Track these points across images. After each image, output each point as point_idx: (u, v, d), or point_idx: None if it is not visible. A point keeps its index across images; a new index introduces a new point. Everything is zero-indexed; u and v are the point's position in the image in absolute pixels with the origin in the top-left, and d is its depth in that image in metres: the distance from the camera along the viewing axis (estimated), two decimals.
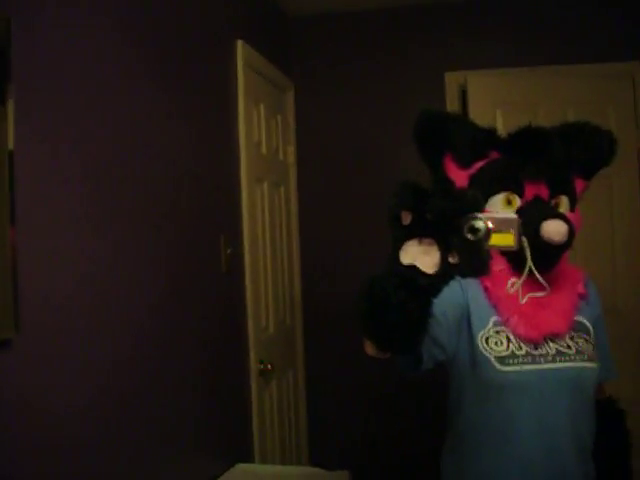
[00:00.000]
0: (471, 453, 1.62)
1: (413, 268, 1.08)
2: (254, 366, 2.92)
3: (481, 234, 1.09)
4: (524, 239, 1.41)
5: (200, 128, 2.55)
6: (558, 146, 1.58)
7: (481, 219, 1.09)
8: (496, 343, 1.55)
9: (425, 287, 1.08)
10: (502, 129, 1.68)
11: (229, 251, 2.75)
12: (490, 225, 1.11)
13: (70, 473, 1.66)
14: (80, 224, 1.78)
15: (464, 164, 1.63)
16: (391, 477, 3.67)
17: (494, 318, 1.57)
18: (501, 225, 1.15)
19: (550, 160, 1.56)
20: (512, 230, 1.17)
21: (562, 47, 3.52)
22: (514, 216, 1.20)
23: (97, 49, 1.87)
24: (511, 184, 1.57)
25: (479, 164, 1.63)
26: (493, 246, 1.14)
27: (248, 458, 2.85)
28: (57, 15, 1.70)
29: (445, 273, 1.08)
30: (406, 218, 1.08)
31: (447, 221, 1.05)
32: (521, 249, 1.38)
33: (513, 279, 1.55)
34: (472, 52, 3.59)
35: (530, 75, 3.50)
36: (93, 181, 1.85)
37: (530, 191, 1.56)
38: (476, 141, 1.62)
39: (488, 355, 1.54)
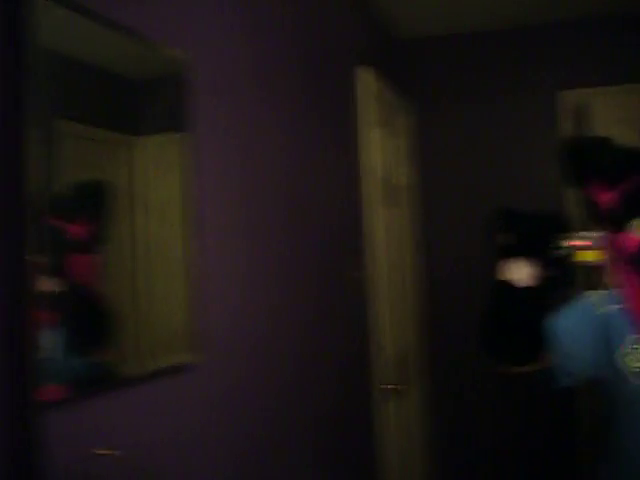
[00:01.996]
0: (620, 470, 1.62)
1: (509, 283, 1.22)
2: (381, 386, 2.96)
3: (568, 251, 1.24)
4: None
5: (324, 151, 2.64)
6: None
7: (568, 238, 1.25)
8: (634, 360, 1.54)
9: (519, 299, 1.21)
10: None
11: (355, 274, 2.80)
12: (576, 243, 1.26)
13: None
14: (239, 248, 1.89)
15: (610, 186, 1.66)
16: None
17: (634, 335, 1.57)
18: (587, 243, 1.29)
19: None
20: (598, 246, 1.31)
21: None
22: (600, 234, 1.32)
23: (253, 89, 2.00)
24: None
25: (624, 186, 1.65)
26: (581, 262, 1.28)
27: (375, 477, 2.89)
28: (224, 58, 1.83)
29: (540, 286, 1.21)
30: (505, 239, 1.23)
31: (541, 240, 1.19)
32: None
33: (629, 291, 1.55)
34: (587, 70, 3.58)
35: None
36: (252, 209, 1.96)
37: None
38: (620, 164, 1.63)
39: (628, 372, 1.54)
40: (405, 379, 3.45)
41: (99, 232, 1.30)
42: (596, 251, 1.32)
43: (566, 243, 1.23)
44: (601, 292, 1.63)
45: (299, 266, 2.28)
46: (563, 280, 1.24)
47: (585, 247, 1.30)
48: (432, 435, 3.74)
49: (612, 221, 1.60)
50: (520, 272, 1.24)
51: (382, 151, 3.31)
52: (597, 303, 1.59)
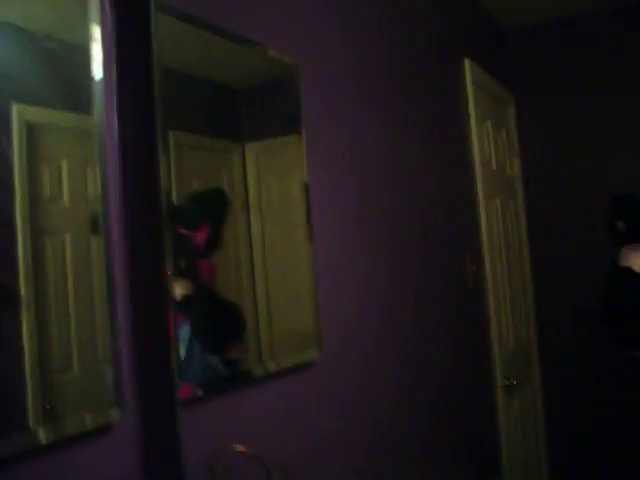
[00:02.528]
0: None
1: (628, 270, 1.24)
2: (500, 382, 2.91)
3: None
4: None
5: (438, 148, 2.64)
6: None
7: None
8: None
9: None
10: None
11: (474, 268, 2.78)
12: None
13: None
14: (353, 246, 1.91)
15: None
16: None
17: None
18: None
19: None
20: None
21: None
22: None
23: (358, 90, 2.02)
24: None
25: None
26: None
27: (497, 474, 2.84)
28: (329, 60, 1.86)
29: None
30: (621, 226, 1.23)
31: None
32: None
33: None
34: None
35: None
36: (364, 208, 1.98)
37: None
38: None
39: None
40: (524, 373, 3.40)
41: (219, 237, 1.35)
42: None
43: None
44: None
45: (412, 263, 2.29)
46: None
47: None
48: (550, 429, 3.68)
49: None
50: (636, 258, 1.25)
51: (493, 142, 3.27)
52: None
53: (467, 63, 2.97)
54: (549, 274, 3.67)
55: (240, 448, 1.17)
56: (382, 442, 1.96)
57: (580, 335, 3.52)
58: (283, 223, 1.58)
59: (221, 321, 1.32)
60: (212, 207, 1.35)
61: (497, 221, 3.20)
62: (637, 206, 1.18)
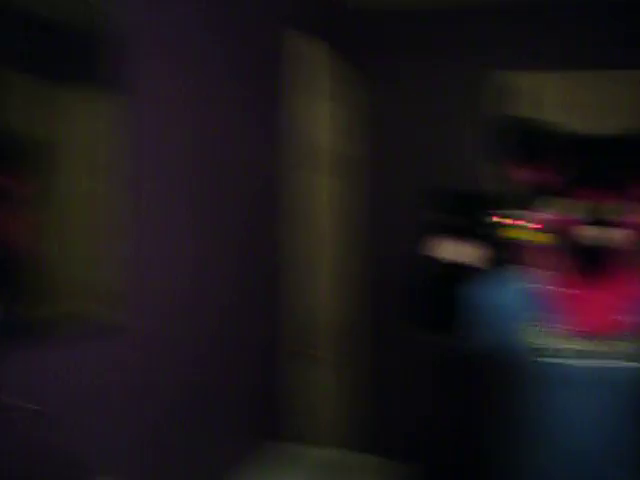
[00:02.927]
0: (521, 442, 1.70)
1: (453, 262, 1.25)
2: (302, 346, 2.99)
3: (510, 230, 1.24)
4: (558, 235, 1.52)
5: (267, 120, 2.64)
6: (623, 153, 1.63)
7: (510, 217, 1.24)
8: (545, 337, 1.62)
9: (460, 277, 1.23)
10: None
11: (293, 238, 2.85)
12: (518, 222, 1.29)
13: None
14: (175, 212, 1.92)
15: (531, 166, 1.70)
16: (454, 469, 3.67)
17: (545, 313, 1.65)
18: (530, 221, 1.33)
19: (614, 167, 1.61)
20: (541, 226, 1.33)
21: (613, 53, 3.50)
22: (539, 214, 1.34)
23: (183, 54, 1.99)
24: (574, 187, 1.62)
25: (547, 165, 1.69)
26: (527, 241, 1.32)
27: (298, 438, 2.91)
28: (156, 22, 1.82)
29: (479, 265, 1.23)
30: (443, 220, 1.25)
31: (480, 220, 1.22)
32: (561, 246, 1.51)
33: (556, 273, 1.64)
34: (523, 53, 3.62)
35: (580, 78, 3.52)
36: (187, 173, 1.99)
37: (592, 195, 1.60)
38: (548, 145, 1.70)
39: (536, 348, 1.62)
40: (338, 346, 3.48)
41: (29, 188, 1.28)
42: (530, 230, 1.33)
43: (500, 221, 1.26)
44: (517, 269, 1.67)
45: (229, 228, 2.30)
46: (496, 257, 1.27)
47: (520, 226, 1.31)
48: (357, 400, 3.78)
49: (534, 199, 1.65)
50: (453, 250, 1.27)
51: (330, 121, 3.30)
52: (511, 279, 1.66)
53: (309, 39, 2.97)
54: (378, 252, 3.77)
55: (28, 404, 1.12)
56: (181, 402, 1.99)
57: (393, 314, 3.64)
58: (97, 177, 1.51)
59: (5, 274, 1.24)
60: (16, 151, 1.26)
61: (329, 197, 3.25)
62: (462, 200, 1.21)
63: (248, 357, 2.57)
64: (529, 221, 1.27)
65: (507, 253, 1.26)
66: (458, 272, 1.26)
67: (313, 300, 3.21)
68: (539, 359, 1.60)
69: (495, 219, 1.27)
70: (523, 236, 1.28)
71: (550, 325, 1.62)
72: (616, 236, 1.54)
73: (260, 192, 2.68)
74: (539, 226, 1.30)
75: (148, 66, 1.78)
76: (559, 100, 3.45)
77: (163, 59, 1.88)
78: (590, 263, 1.58)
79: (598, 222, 1.54)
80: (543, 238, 1.32)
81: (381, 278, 3.75)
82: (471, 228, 1.25)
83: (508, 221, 1.25)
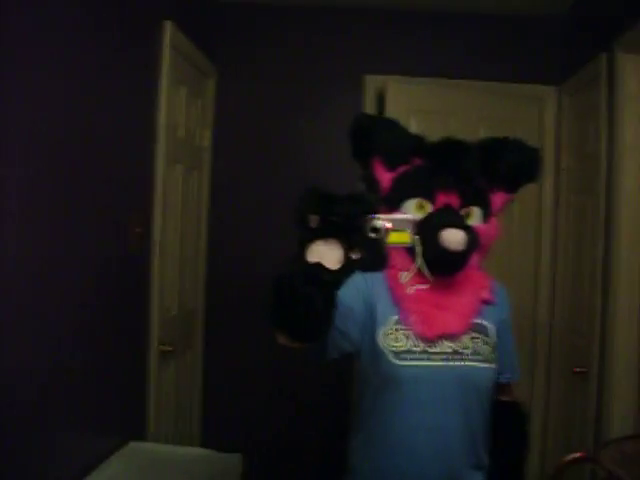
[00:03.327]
0: (368, 440, 1.70)
1: (318, 265, 1.22)
2: (155, 346, 2.93)
3: (381, 233, 1.25)
4: (417, 237, 1.53)
5: (121, 105, 2.56)
6: (473, 159, 1.68)
7: (381, 219, 1.26)
8: (395, 339, 1.63)
9: (330, 281, 1.23)
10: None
11: (138, 230, 2.75)
12: (388, 225, 1.28)
13: None
14: (28, 194, 1.88)
15: (390, 167, 1.72)
16: (284, 461, 3.75)
17: (395, 316, 1.66)
18: (398, 225, 1.32)
19: (462, 172, 1.65)
20: (408, 229, 1.34)
21: (479, 64, 3.66)
22: (409, 216, 1.40)
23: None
24: (424, 191, 1.65)
25: (402, 168, 1.71)
26: (391, 243, 1.31)
27: (142, 437, 2.88)
28: None
29: (348, 268, 1.23)
30: (313, 221, 1.22)
31: (351, 222, 1.21)
32: (414, 246, 1.51)
33: (404, 271, 1.64)
34: (391, 58, 3.70)
35: (446, 86, 3.61)
36: (43, 153, 1.96)
37: (442, 199, 1.63)
38: (402, 147, 1.71)
39: (386, 350, 1.62)
40: (185, 340, 3.45)
41: None
42: (407, 233, 1.34)
43: (377, 225, 1.24)
44: (380, 270, 1.68)
45: (80, 217, 2.24)
46: (372, 262, 1.25)
47: (396, 229, 1.30)
48: (203, 398, 3.80)
49: (389, 201, 1.67)
50: (326, 254, 1.23)
51: (186, 111, 3.27)
52: (370, 282, 1.67)
53: (168, 26, 2.94)
54: (225, 248, 3.76)
55: None
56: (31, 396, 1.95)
57: (244, 313, 3.64)
58: None
59: None
60: None
61: (176, 188, 3.20)
62: (332, 202, 1.18)
63: (112, 356, 2.53)
64: (392, 223, 1.28)
65: (372, 255, 1.25)
66: (322, 274, 1.24)
67: (170, 297, 3.17)
68: (394, 361, 1.60)
69: (359, 220, 1.26)
70: (388, 238, 1.29)
71: (405, 327, 1.62)
72: (468, 240, 1.56)
73: (126, 184, 2.63)
74: (401, 228, 1.31)
75: (18, 57, 1.76)
76: (422, 106, 3.50)
77: (31, 50, 1.86)
78: (443, 265, 1.60)
79: (453, 225, 1.55)
80: (405, 239, 1.32)
81: (235, 276, 3.72)
82: (336, 229, 1.23)
83: (372, 222, 1.26)
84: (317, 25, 3.78)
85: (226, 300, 3.73)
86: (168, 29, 2.94)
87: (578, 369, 3.06)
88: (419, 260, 1.58)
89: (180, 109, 3.21)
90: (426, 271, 1.58)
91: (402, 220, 1.36)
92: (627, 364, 2.70)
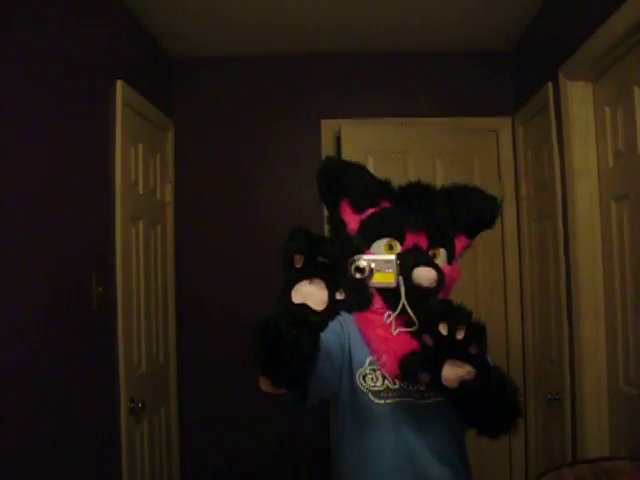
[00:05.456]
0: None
1: (304, 306, 1.21)
2: (124, 404, 2.90)
3: (365, 273, 1.27)
4: (400, 277, 1.53)
5: (76, 166, 2.58)
6: (440, 203, 1.72)
7: (365, 260, 1.28)
8: (372, 379, 1.65)
9: (316, 323, 1.22)
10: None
11: (100, 289, 2.74)
12: (373, 265, 1.31)
13: None
14: None
15: (358, 209, 1.76)
16: None
17: (369, 358, 1.67)
18: (382, 266, 1.36)
19: (431, 214, 1.69)
20: (391, 270, 1.37)
21: (432, 100, 3.73)
22: (393, 257, 1.38)
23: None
24: (394, 231, 1.69)
25: (370, 210, 1.75)
26: (375, 283, 1.34)
27: None
28: None
29: (333, 309, 1.22)
30: (299, 261, 1.21)
31: (336, 263, 1.20)
32: (398, 286, 1.50)
33: (388, 312, 1.64)
34: (346, 101, 3.76)
35: (401, 125, 3.67)
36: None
37: (410, 240, 1.68)
38: (371, 190, 1.75)
39: (365, 390, 1.65)
40: (159, 395, 3.42)
41: None
42: (391, 273, 1.37)
43: (362, 265, 1.26)
44: (357, 311, 1.67)
45: (38, 281, 2.23)
46: (357, 302, 1.23)
47: (382, 269, 1.34)
48: (180, 454, 3.76)
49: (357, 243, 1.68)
50: (312, 294, 1.22)
51: (144, 167, 3.29)
52: (344, 324, 1.69)
53: (119, 84, 2.97)
54: (193, 301, 3.76)
55: None
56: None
57: (217, 362, 3.62)
58: None
59: None
60: None
61: (138, 244, 3.21)
62: (318, 242, 1.18)
63: (80, 420, 2.51)
64: (375, 264, 1.30)
65: (357, 295, 1.25)
66: (308, 316, 1.23)
67: (138, 354, 3.16)
68: (374, 400, 1.63)
69: (344, 261, 1.27)
70: (372, 278, 1.32)
71: (377, 366, 1.64)
72: (433, 279, 1.59)
73: (85, 244, 2.64)
74: (384, 268, 1.33)
75: None
76: (378, 146, 3.54)
77: None
78: (417, 302, 1.59)
79: (424, 264, 1.59)
80: (389, 279, 1.36)
81: (206, 326, 3.72)
82: (322, 269, 1.23)
83: (357, 263, 1.27)
84: (271, 74, 3.84)
85: (198, 352, 3.72)
86: (119, 88, 2.97)
87: (550, 396, 3.05)
88: (403, 297, 1.57)
89: (137, 165, 3.23)
90: (410, 312, 1.57)
91: (386, 261, 1.38)
92: (597, 388, 2.69)
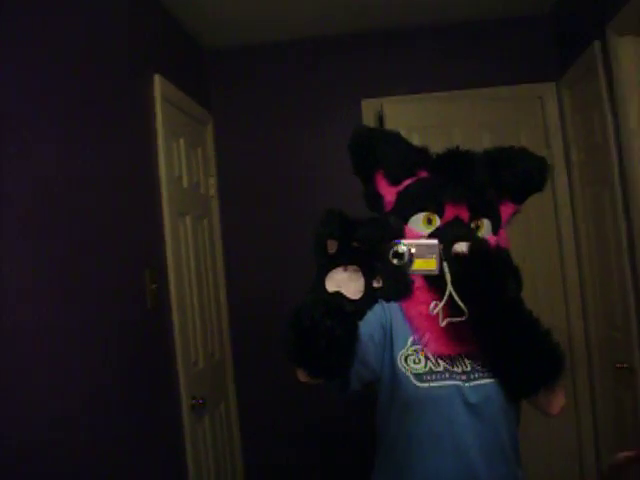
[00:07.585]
0: (396, 470, 1.61)
1: (339, 295, 1.14)
2: (186, 401, 2.88)
3: (405, 259, 1.18)
4: (445, 264, 1.37)
5: (121, 164, 2.54)
6: (480, 170, 1.58)
7: (405, 245, 1.19)
8: (414, 361, 1.56)
9: (351, 312, 1.15)
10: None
11: (154, 286, 2.72)
12: (413, 250, 1.21)
13: None
14: (37, 261, 1.87)
15: (394, 181, 1.64)
16: None
17: (412, 337, 1.58)
18: (423, 251, 1.24)
19: (471, 183, 1.57)
20: (434, 255, 1.27)
21: (474, 71, 3.63)
22: (435, 242, 1.28)
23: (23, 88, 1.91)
24: (432, 204, 1.57)
25: (407, 182, 1.63)
26: (416, 270, 1.24)
27: None
28: None
29: (369, 298, 1.15)
30: (332, 247, 1.14)
31: (372, 248, 1.12)
32: (442, 273, 1.37)
33: (434, 302, 1.52)
34: (387, 79, 3.68)
35: (444, 99, 3.59)
36: (46, 221, 1.94)
37: (450, 212, 1.56)
38: (406, 160, 1.63)
39: (407, 372, 1.55)
40: (217, 391, 3.40)
41: None
42: (433, 259, 1.27)
43: (400, 250, 1.19)
44: (401, 296, 1.59)
45: (92, 283, 2.20)
46: (395, 291, 1.19)
47: (424, 255, 1.24)
48: (242, 447, 3.74)
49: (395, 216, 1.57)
50: (346, 282, 1.16)
51: (187, 161, 3.26)
52: (386, 306, 1.58)
53: (157, 79, 2.94)
54: (245, 294, 3.72)
55: None
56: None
57: (274, 354, 3.59)
58: None
59: None
60: None
61: (187, 239, 3.18)
62: (353, 226, 1.10)
63: (143, 419, 2.50)
64: (416, 249, 1.21)
65: (395, 283, 1.17)
66: (343, 305, 1.17)
67: (195, 351, 3.14)
68: (417, 383, 1.54)
69: (381, 246, 1.18)
70: (412, 265, 1.22)
71: (424, 349, 1.56)
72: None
73: (136, 242, 2.61)
74: (426, 254, 1.24)
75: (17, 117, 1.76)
76: (422, 122, 3.47)
77: (29, 115, 1.86)
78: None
79: (464, 239, 1.46)
80: (431, 266, 1.26)
81: (259, 319, 3.68)
82: (357, 255, 1.15)
83: (395, 248, 1.18)
84: (307, 58, 3.78)
85: (253, 345, 3.68)
86: (157, 82, 2.93)
87: (619, 365, 2.96)
88: (449, 286, 1.40)
89: (180, 160, 3.20)
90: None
91: (427, 245, 1.27)
92: None
